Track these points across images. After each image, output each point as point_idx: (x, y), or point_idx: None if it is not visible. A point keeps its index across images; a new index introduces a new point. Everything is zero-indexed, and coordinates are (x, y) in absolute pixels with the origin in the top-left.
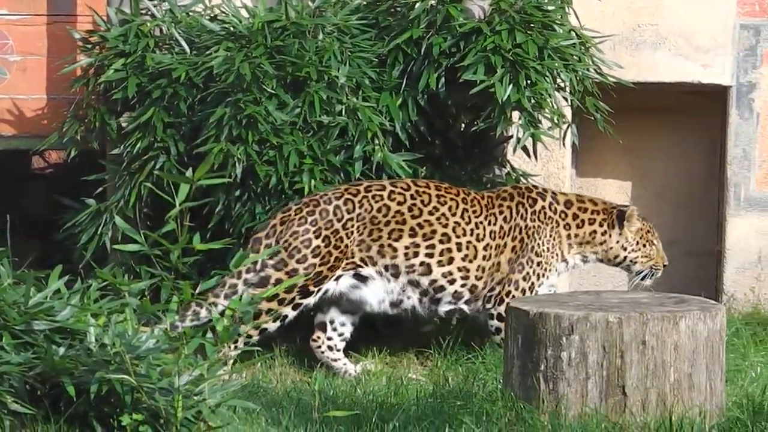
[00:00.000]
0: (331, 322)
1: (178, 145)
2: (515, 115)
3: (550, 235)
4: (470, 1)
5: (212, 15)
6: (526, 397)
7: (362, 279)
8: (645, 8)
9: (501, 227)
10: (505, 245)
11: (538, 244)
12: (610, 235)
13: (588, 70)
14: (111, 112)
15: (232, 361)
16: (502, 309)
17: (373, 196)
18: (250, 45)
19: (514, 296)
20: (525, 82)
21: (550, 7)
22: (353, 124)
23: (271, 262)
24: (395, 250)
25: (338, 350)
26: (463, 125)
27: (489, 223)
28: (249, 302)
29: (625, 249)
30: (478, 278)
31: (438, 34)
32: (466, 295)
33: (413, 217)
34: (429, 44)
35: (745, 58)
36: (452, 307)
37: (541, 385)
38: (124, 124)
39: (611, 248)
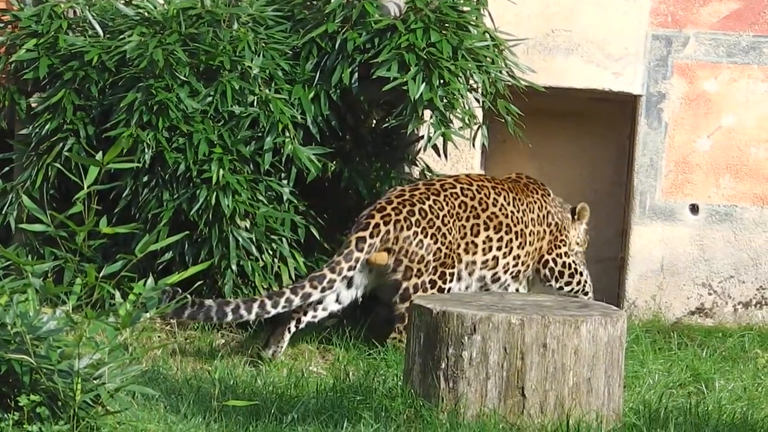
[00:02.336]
0: (320, 302)
1: (88, 128)
2: (427, 113)
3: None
4: None
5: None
6: (426, 395)
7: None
8: (559, 14)
9: (538, 215)
10: (544, 231)
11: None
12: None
13: (501, 72)
14: (21, 92)
15: None
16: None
17: (452, 194)
18: (164, 31)
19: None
20: (438, 82)
21: (465, 8)
22: (265, 115)
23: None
24: (476, 246)
25: (296, 325)
26: (374, 121)
27: (530, 210)
28: (152, 288)
29: (578, 244)
30: (524, 263)
31: (353, 30)
32: (510, 283)
33: (483, 210)
34: (344, 39)
35: (656, 68)
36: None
37: (441, 383)
38: (33, 105)
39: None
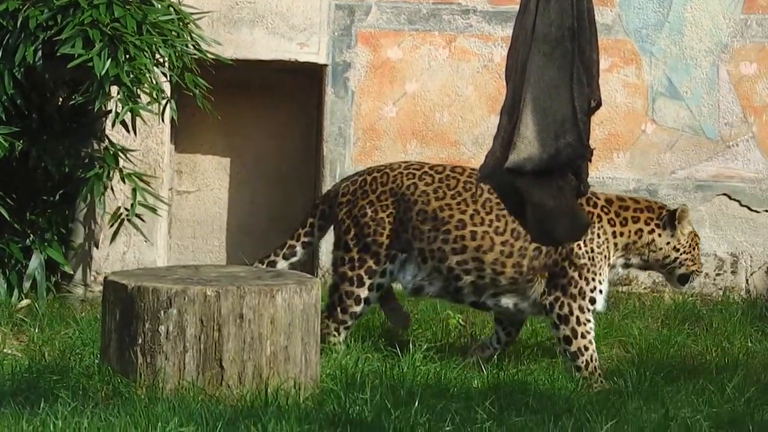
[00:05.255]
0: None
1: None
2: (114, 89)
3: None
4: None
5: None
6: (124, 372)
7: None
8: None
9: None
10: None
11: None
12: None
13: (187, 46)
14: None
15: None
16: None
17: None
18: None
19: None
20: (124, 57)
21: None
22: None
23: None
24: (422, 233)
25: None
26: (61, 99)
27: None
28: None
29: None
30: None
31: (35, 7)
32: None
33: (437, 199)
34: (25, 17)
35: (340, 38)
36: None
37: (138, 358)
38: None
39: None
